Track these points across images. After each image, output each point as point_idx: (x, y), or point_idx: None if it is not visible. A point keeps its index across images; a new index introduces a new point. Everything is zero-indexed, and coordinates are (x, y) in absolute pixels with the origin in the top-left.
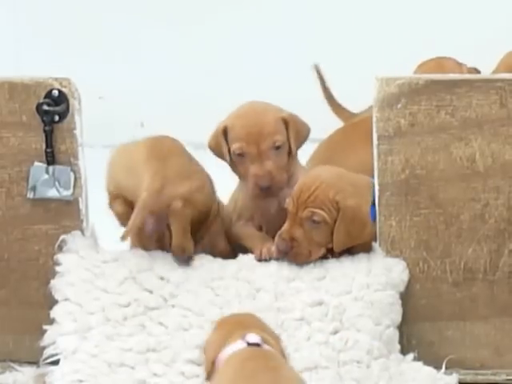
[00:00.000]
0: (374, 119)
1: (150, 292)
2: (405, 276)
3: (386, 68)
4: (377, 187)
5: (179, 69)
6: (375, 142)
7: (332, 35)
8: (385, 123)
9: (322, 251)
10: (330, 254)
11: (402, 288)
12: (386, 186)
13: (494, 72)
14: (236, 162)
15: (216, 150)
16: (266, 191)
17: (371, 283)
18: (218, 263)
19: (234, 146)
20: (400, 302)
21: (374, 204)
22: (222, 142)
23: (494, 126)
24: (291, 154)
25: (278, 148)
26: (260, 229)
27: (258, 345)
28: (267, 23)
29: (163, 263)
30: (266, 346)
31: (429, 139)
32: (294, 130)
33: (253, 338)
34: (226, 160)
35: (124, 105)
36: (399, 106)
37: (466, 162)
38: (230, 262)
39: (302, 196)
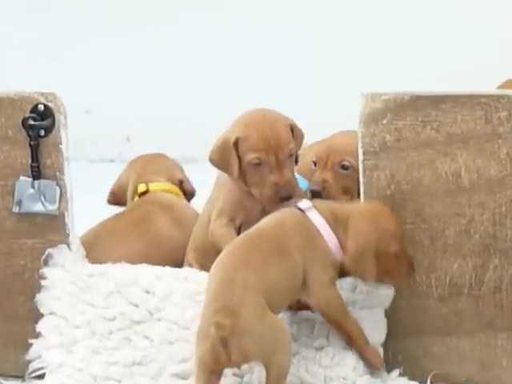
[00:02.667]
0: (360, 135)
1: (136, 306)
2: (390, 292)
3: (372, 84)
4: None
5: (166, 84)
6: (361, 157)
7: (317, 50)
8: (370, 139)
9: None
10: None
11: (387, 304)
12: (371, 201)
13: None
14: (250, 172)
15: (220, 163)
16: (287, 199)
17: (357, 300)
18: (204, 276)
19: (251, 156)
20: (385, 319)
21: None
22: (230, 154)
23: (479, 142)
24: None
25: (291, 156)
26: (239, 230)
27: None
28: (255, 39)
29: (148, 276)
30: None
31: (414, 154)
32: (298, 137)
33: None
34: (231, 172)
35: (110, 119)
36: (385, 121)
37: (451, 178)
38: None
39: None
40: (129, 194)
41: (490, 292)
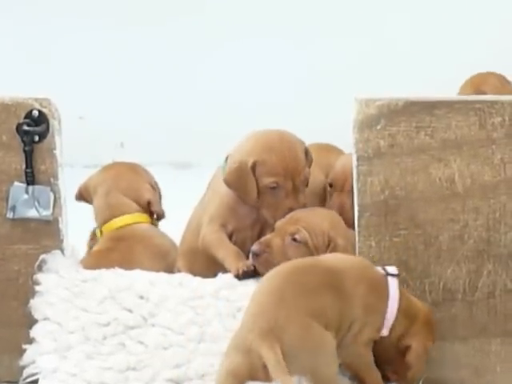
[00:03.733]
0: (354, 140)
1: (130, 311)
2: None
3: (365, 89)
4: (356, 208)
5: (159, 90)
6: (354, 162)
7: (312, 55)
8: (364, 144)
9: None
10: None
11: None
12: (365, 206)
13: (461, 93)
14: (265, 194)
15: (236, 185)
16: None
17: None
18: (198, 282)
19: (269, 180)
20: None
21: None
22: (248, 178)
23: (473, 147)
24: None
25: (305, 180)
26: (230, 236)
27: None
28: (249, 45)
29: (142, 282)
30: None
31: (408, 160)
32: (310, 161)
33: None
34: (248, 196)
35: (104, 125)
36: (378, 127)
37: (445, 183)
38: (210, 280)
39: (296, 213)
40: (99, 216)
41: (484, 297)
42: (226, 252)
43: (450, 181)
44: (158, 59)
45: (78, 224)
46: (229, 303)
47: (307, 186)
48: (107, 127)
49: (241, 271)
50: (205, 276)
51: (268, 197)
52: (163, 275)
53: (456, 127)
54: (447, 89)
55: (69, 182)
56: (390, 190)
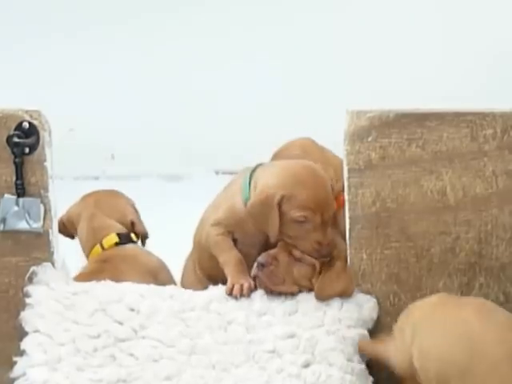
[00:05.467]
0: (345, 152)
1: (120, 323)
2: (375, 314)
3: (357, 101)
4: (347, 220)
5: (150, 101)
6: (345, 175)
7: (304, 66)
8: (355, 156)
9: (295, 289)
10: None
11: (370, 325)
12: (356, 218)
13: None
14: (291, 226)
15: (259, 217)
16: (325, 257)
17: (343, 318)
18: (189, 294)
19: (297, 214)
20: (369, 338)
21: None
22: (271, 212)
23: (464, 160)
24: None
25: (333, 214)
26: (234, 243)
27: None
28: (241, 56)
29: (133, 295)
30: None
31: (399, 172)
32: (335, 193)
33: None
34: (270, 229)
35: (94, 137)
36: (370, 139)
37: (436, 196)
38: (201, 293)
39: None
40: (85, 243)
41: None
42: (228, 257)
43: (441, 193)
44: (148, 72)
45: None
46: (220, 316)
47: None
48: (97, 139)
49: (234, 294)
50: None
51: (295, 229)
52: (154, 287)
53: (447, 139)
54: (438, 101)
55: (59, 194)
56: (382, 203)
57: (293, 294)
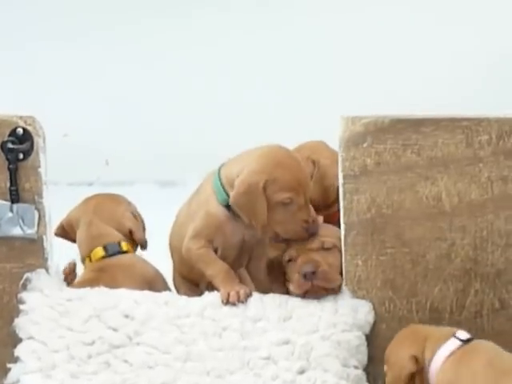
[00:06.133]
0: (340, 158)
1: (115, 330)
2: (370, 318)
3: (352, 107)
4: (343, 226)
5: (144, 107)
6: (341, 180)
7: (298, 72)
8: (350, 162)
9: (340, 277)
10: None
11: (367, 330)
12: (351, 225)
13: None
14: (277, 211)
15: (246, 207)
16: (314, 235)
17: (338, 323)
18: (184, 300)
19: (283, 196)
20: (366, 343)
21: None
22: (258, 199)
23: (460, 165)
24: None
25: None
26: (215, 252)
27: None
28: (231, 63)
29: (128, 301)
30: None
31: (395, 178)
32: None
33: (463, 334)
34: (258, 217)
35: (89, 142)
36: (365, 144)
37: (432, 202)
38: (196, 299)
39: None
40: (82, 250)
41: (471, 317)
42: (215, 270)
43: (436, 199)
44: (143, 78)
45: (63, 242)
46: (214, 322)
47: None
48: (92, 145)
49: (231, 301)
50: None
51: (280, 213)
52: (148, 294)
53: (443, 145)
54: (433, 106)
55: (53, 200)
56: (377, 209)
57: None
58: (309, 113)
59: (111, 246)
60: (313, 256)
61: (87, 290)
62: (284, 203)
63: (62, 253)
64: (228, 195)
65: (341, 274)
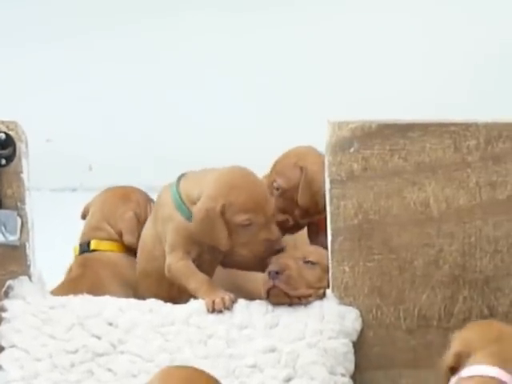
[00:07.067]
0: (327, 163)
1: (98, 338)
2: (358, 325)
3: (339, 111)
4: (329, 232)
5: (129, 111)
6: (327, 186)
7: (283, 76)
8: (337, 167)
9: (311, 292)
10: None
11: (354, 337)
12: (338, 230)
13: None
14: (238, 233)
15: (206, 233)
16: (278, 253)
17: (324, 330)
18: (168, 308)
19: (241, 218)
20: (353, 350)
21: None
22: (217, 224)
23: (447, 171)
24: None
25: (274, 211)
26: (194, 261)
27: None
28: (217, 66)
29: (111, 308)
30: None
31: (382, 184)
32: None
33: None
34: (220, 242)
35: (72, 147)
36: (352, 149)
37: (419, 207)
38: (180, 306)
39: (289, 246)
40: (81, 237)
41: (460, 324)
42: (197, 282)
43: (424, 205)
44: (126, 83)
45: (46, 249)
46: (200, 330)
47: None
48: (75, 150)
49: (217, 308)
50: (162, 298)
51: (241, 235)
52: (132, 301)
53: (430, 150)
54: (421, 111)
55: (36, 206)
56: (364, 214)
57: (309, 298)
58: (295, 118)
59: (82, 245)
60: (286, 261)
61: (70, 297)
62: (243, 225)
63: (45, 260)
64: (190, 211)
65: (314, 288)
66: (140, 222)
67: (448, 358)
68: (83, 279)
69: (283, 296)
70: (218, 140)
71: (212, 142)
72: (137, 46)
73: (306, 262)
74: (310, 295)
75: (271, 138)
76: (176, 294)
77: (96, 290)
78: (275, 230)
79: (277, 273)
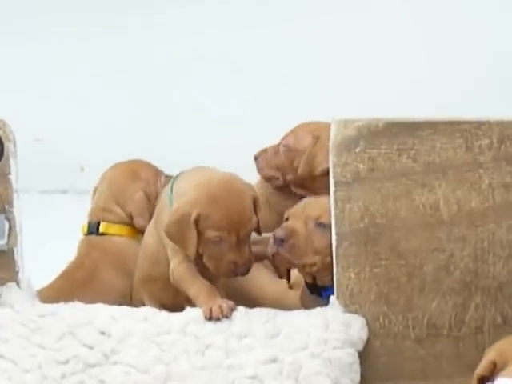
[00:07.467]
0: (331, 164)
1: (90, 348)
2: (364, 334)
3: (343, 109)
4: (334, 237)
5: (122, 109)
6: (332, 188)
7: (285, 74)
8: (342, 168)
9: (317, 259)
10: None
11: (360, 347)
12: (343, 235)
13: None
14: (207, 246)
15: (177, 237)
16: (243, 275)
17: (329, 339)
18: (164, 316)
19: (212, 234)
20: (359, 361)
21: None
22: (189, 231)
23: (459, 172)
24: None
25: (251, 231)
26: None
27: None
28: (209, 65)
29: (104, 317)
30: None
31: (389, 185)
32: (259, 207)
33: None
34: (187, 249)
35: (62, 147)
36: (358, 149)
37: (429, 210)
38: (177, 315)
39: (311, 200)
40: (88, 216)
41: (472, 333)
42: (196, 289)
43: (434, 207)
44: (119, 81)
45: (35, 254)
46: (197, 339)
47: (259, 231)
48: (66, 150)
49: (214, 316)
50: (167, 305)
51: (211, 249)
52: (126, 309)
53: (441, 150)
54: (430, 109)
55: (25, 208)
56: (370, 218)
57: (314, 267)
58: (299, 115)
59: (90, 225)
60: (295, 225)
61: (61, 305)
62: (213, 241)
63: (34, 266)
64: None
65: (321, 255)
66: (150, 201)
67: (481, 367)
68: (80, 270)
69: (286, 263)
70: (218, 138)
71: (213, 141)
72: (130, 43)
73: (318, 225)
74: (314, 264)
75: (273, 138)
76: (183, 300)
77: (92, 282)
78: (245, 254)
79: (282, 240)
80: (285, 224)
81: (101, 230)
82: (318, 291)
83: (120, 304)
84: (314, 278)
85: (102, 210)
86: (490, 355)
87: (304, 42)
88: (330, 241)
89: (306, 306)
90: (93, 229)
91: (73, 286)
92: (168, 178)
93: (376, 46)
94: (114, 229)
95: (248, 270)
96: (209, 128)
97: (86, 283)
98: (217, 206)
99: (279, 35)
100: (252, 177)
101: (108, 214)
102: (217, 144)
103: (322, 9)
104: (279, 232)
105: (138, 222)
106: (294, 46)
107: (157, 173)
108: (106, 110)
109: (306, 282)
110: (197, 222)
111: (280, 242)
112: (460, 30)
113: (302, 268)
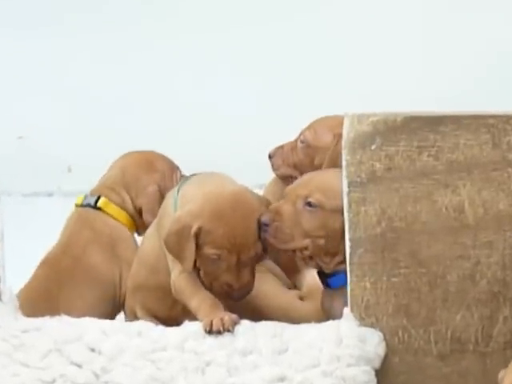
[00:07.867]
0: (344, 163)
1: (79, 366)
2: (381, 350)
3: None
4: (348, 243)
5: (112, 107)
6: (345, 189)
7: (296, 69)
8: (356, 167)
9: (307, 243)
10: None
11: (377, 364)
12: (358, 241)
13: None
14: (205, 261)
15: (174, 248)
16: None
17: (342, 355)
18: (160, 331)
19: (210, 252)
20: (375, 379)
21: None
22: (188, 244)
23: (485, 171)
24: None
25: (255, 255)
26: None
27: None
28: (209, 66)
29: (94, 332)
30: None
31: (409, 186)
32: None
33: None
34: (184, 262)
35: (48, 146)
36: (373, 147)
37: (452, 213)
38: (174, 329)
39: (308, 175)
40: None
41: (500, 348)
42: (198, 300)
43: (458, 210)
44: (109, 73)
45: (18, 263)
46: (197, 356)
47: (260, 260)
48: (52, 149)
49: (214, 329)
50: (160, 317)
51: (206, 265)
52: (118, 323)
53: (465, 147)
54: (454, 103)
55: (7, 213)
56: (388, 222)
57: (305, 251)
58: (309, 111)
59: (89, 197)
60: (283, 206)
61: (46, 319)
62: (211, 258)
63: (17, 274)
64: None
65: (311, 237)
66: (163, 197)
67: (504, 380)
68: (67, 256)
69: (274, 250)
70: (220, 138)
71: (194, 146)
72: (120, 38)
73: (307, 204)
74: (305, 247)
75: (280, 135)
76: (178, 313)
77: (78, 268)
78: (243, 278)
79: (266, 225)
80: (271, 206)
81: (99, 203)
82: (326, 281)
83: (108, 292)
84: (319, 266)
85: (107, 188)
86: None
87: (313, 35)
88: (324, 221)
89: (324, 308)
90: (89, 200)
91: (59, 276)
92: (182, 177)
93: (376, 46)
94: (113, 209)
95: (243, 296)
96: (208, 128)
97: (72, 270)
98: (221, 221)
99: (292, 31)
100: (264, 177)
101: (113, 194)
102: (215, 144)
103: (333, 6)
104: (263, 216)
105: (147, 218)
106: (305, 38)
107: (172, 167)
108: (96, 107)
109: (318, 274)
110: (197, 235)
111: (264, 226)
112: (460, 29)
113: (293, 254)
